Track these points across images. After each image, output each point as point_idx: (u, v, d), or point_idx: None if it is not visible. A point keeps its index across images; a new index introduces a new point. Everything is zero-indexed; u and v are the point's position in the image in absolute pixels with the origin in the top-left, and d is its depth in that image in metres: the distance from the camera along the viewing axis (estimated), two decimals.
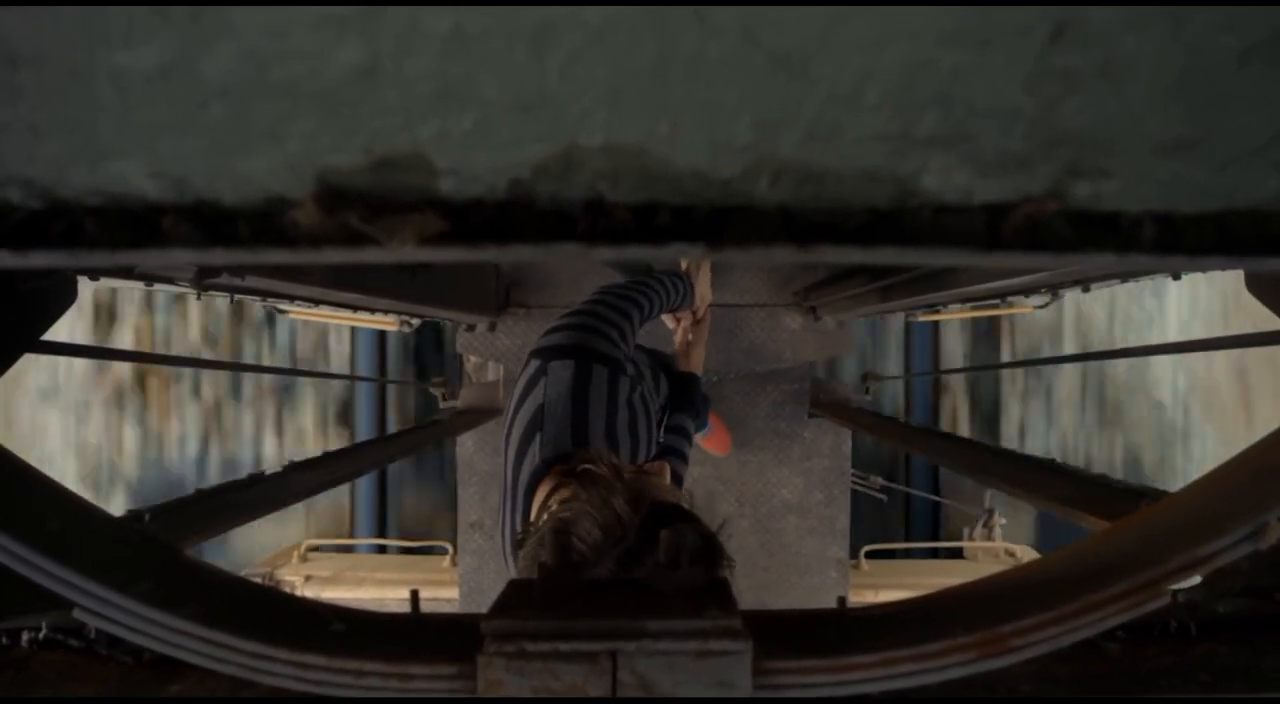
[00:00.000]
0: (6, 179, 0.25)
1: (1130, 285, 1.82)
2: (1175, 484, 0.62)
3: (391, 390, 4.97)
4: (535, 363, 1.15)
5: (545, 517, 0.90)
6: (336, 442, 4.80)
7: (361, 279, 1.60)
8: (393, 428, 4.90)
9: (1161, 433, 4.87)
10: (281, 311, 2.19)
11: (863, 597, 2.97)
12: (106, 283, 1.22)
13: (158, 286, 1.30)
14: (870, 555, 3.34)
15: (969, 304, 2.30)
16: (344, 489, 4.79)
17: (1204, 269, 0.41)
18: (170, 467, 4.91)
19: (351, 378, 4.87)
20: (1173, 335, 4.66)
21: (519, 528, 1.01)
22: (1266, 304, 0.90)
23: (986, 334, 4.81)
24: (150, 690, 0.48)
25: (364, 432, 4.92)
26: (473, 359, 3.07)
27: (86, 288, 1.09)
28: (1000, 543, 3.46)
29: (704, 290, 1.65)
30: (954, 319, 3.88)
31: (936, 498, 4.23)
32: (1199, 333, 4.58)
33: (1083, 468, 1.28)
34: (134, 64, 0.23)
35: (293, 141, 0.25)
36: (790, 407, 2.97)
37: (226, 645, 0.40)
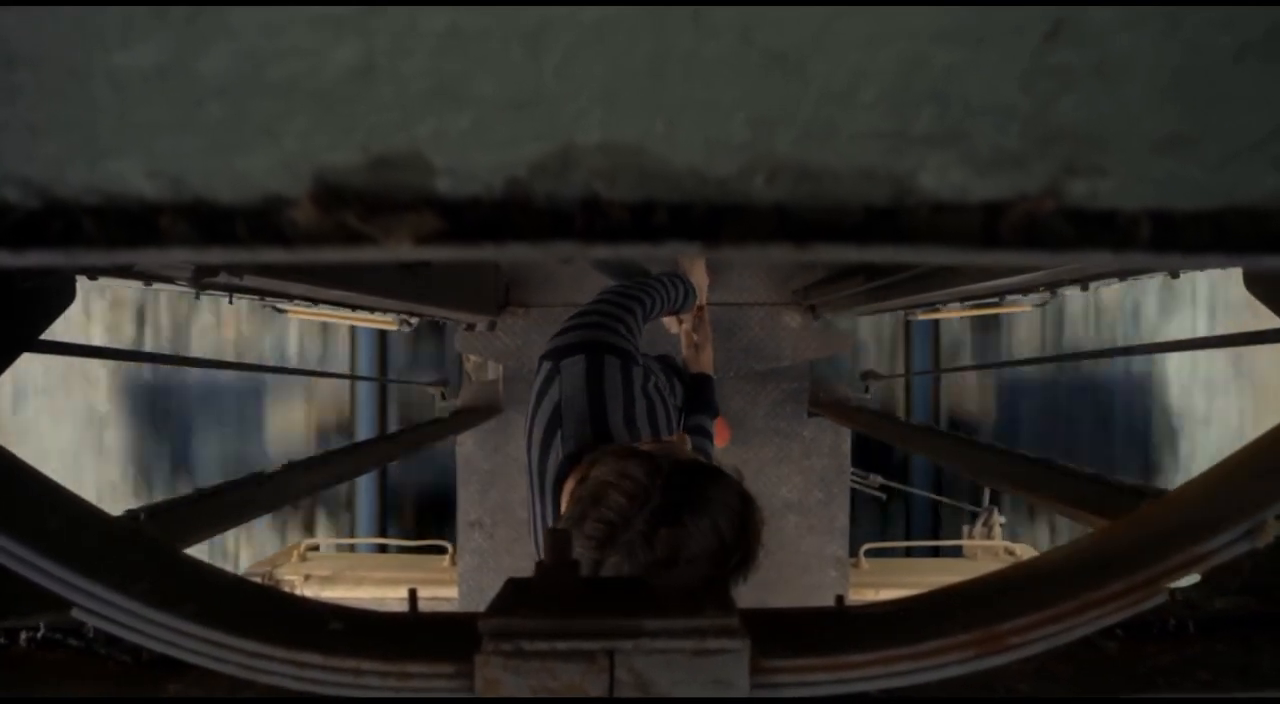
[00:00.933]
0: (4, 178, 0.25)
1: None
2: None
3: (392, 389, 4.97)
4: (547, 365, 1.16)
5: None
6: None
7: (360, 278, 1.60)
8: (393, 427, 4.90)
9: None
10: (280, 310, 2.19)
11: (862, 595, 2.98)
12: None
13: (157, 285, 1.30)
14: (869, 554, 3.34)
15: (967, 303, 2.30)
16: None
17: (1201, 267, 0.41)
18: None
19: (351, 377, 4.87)
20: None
21: (550, 523, 1.02)
22: (1265, 302, 0.90)
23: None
24: (148, 690, 0.48)
25: (364, 431, 4.92)
26: (472, 358, 3.07)
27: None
28: (999, 541, 3.46)
29: (699, 280, 1.66)
30: (953, 317, 3.89)
31: (936, 496, 4.23)
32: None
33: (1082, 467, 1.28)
34: (131, 63, 0.23)
35: (290, 140, 0.25)
36: (790, 405, 2.97)
37: (225, 645, 0.40)
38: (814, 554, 3.00)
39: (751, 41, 0.23)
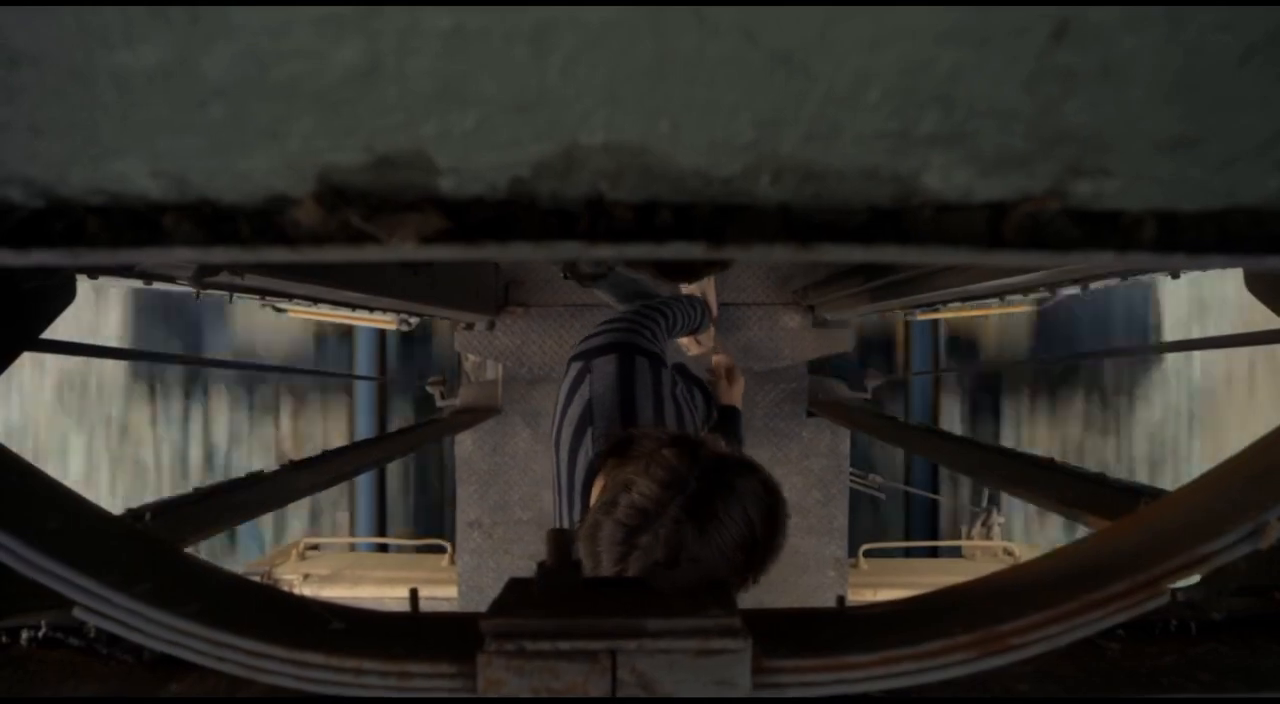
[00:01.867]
0: (8, 178, 0.25)
1: None
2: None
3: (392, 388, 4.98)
4: (577, 365, 1.16)
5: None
6: None
7: (361, 277, 1.60)
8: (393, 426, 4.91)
9: None
10: (280, 310, 2.19)
11: (861, 596, 2.98)
12: None
13: (156, 284, 1.30)
14: (869, 554, 3.34)
15: (969, 303, 2.30)
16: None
17: (1204, 267, 0.41)
18: None
19: (351, 377, 4.87)
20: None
21: (578, 522, 1.02)
22: (1266, 303, 0.90)
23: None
24: (150, 689, 0.48)
25: (364, 430, 4.93)
26: (471, 358, 3.07)
27: None
28: (999, 542, 3.47)
29: (710, 301, 1.67)
30: (953, 317, 3.89)
31: (935, 496, 4.24)
32: None
33: (1082, 467, 1.28)
34: (134, 63, 0.23)
35: (293, 140, 0.25)
36: (788, 405, 2.97)
37: (225, 644, 0.40)
38: (813, 555, 3.00)
39: (756, 42, 0.23)
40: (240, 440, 5.16)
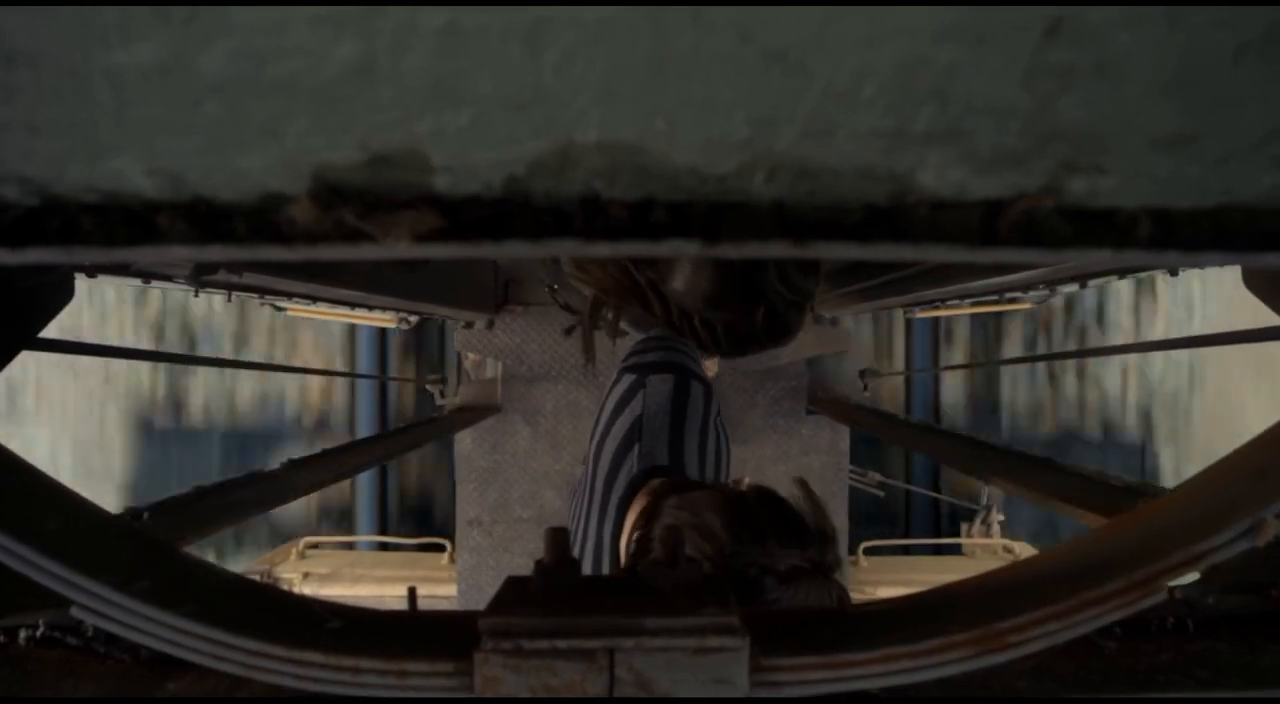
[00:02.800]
0: (2, 176, 0.25)
1: None
2: None
3: (392, 387, 4.98)
4: (631, 377, 1.16)
5: (654, 525, 0.91)
6: None
7: (360, 275, 1.60)
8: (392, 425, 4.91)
9: None
10: (279, 308, 2.19)
11: (861, 593, 2.98)
12: None
13: (155, 283, 1.30)
14: (868, 552, 3.34)
15: (967, 300, 2.30)
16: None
17: (1200, 265, 0.41)
18: None
19: (351, 376, 4.87)
20: None
21: (606, 539, 1.02)
22: (1264, 300, 0.90)
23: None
24: (148, 689, 0.48)
25: (364, 429, 4.93)
26: (471, 356, 3.07)
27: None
28: (998, 539, 3.47)
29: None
30: (954, 315, 3.89)
31: (935, 494, 4.24)
32: None
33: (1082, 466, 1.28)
34: (130, 62, 0.23)
35: (289, 138, 0.24)
36: (788, 403, 2.97)
37: (224, 643, 0.40)
38: None
39: (751, 40, 0.23)
40: None
